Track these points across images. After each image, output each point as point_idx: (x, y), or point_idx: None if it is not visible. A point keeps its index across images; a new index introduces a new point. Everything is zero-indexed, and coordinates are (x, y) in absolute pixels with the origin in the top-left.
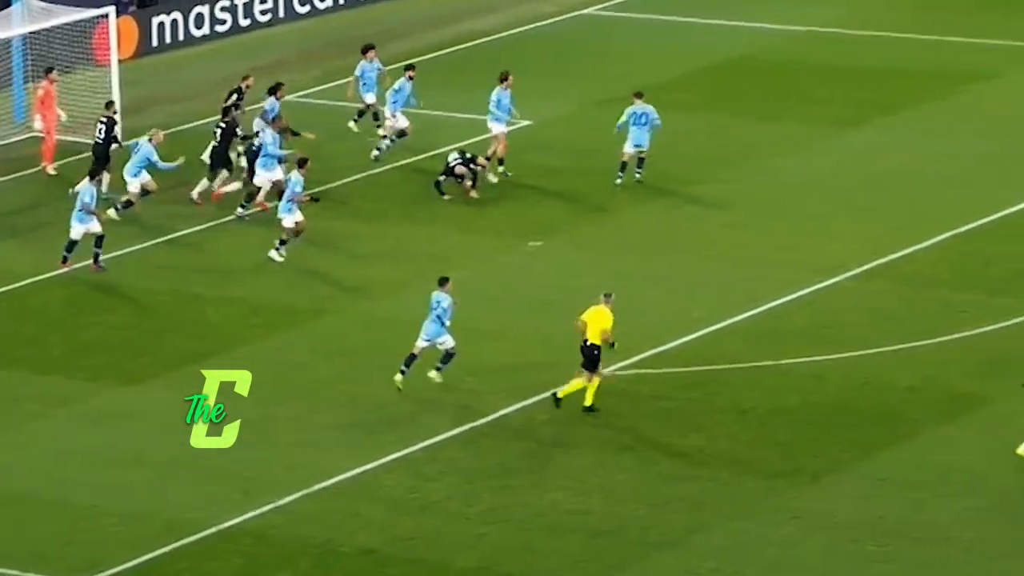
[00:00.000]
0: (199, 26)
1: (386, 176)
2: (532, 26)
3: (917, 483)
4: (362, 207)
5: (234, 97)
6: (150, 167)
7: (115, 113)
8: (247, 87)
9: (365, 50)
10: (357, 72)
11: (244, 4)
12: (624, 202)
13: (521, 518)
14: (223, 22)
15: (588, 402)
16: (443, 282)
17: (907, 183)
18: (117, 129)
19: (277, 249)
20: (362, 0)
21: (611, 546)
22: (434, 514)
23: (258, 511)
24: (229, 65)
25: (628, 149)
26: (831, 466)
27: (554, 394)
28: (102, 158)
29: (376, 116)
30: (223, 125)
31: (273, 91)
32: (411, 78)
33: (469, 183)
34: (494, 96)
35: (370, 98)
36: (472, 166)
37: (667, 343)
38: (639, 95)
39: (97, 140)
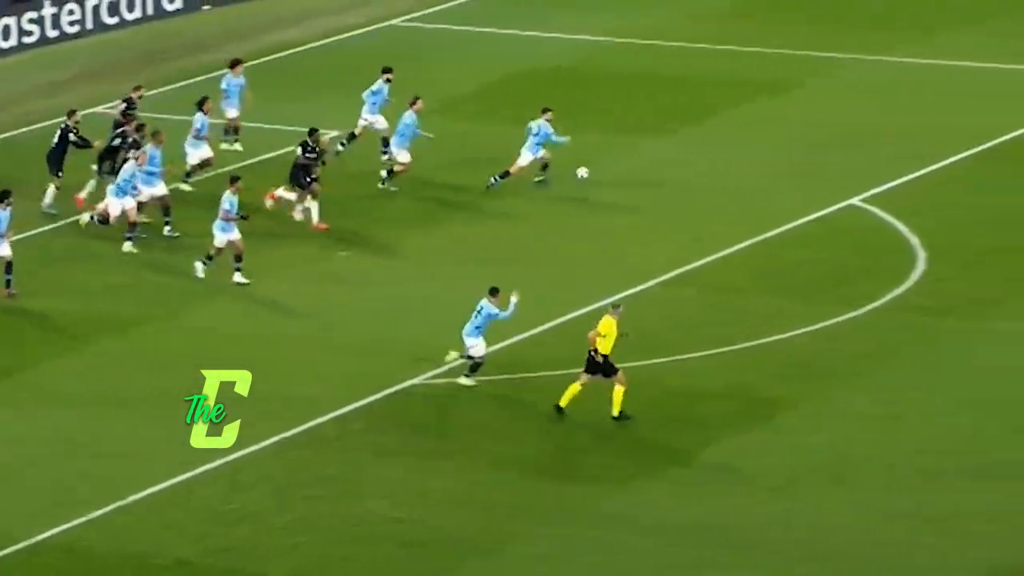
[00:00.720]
0: (6, 38)
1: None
2: (336, 38)
3: (726, 487)
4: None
5: (123, 106)
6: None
7: (77, 123)
8: (138, 97)
9: (233, 64)
10: (223, 85)
11: (52, 15)
12: (434, 213)
13: (335, 527)
14: (30, 33)
15: (616, 411)
16: (494, 292)
17: (710, 191)
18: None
19: (204, 263)
20: (170, 12)
21: (426, 555)
22: (249, 524)
23: (70, 524)
24: (38, 76)
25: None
26: (643, 471)
27: (556, 406)
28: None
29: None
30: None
31: (200, 105)
32: (389, 79)
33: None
34: (405, 119)
35: (232, 113)
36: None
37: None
38: (547, 111)
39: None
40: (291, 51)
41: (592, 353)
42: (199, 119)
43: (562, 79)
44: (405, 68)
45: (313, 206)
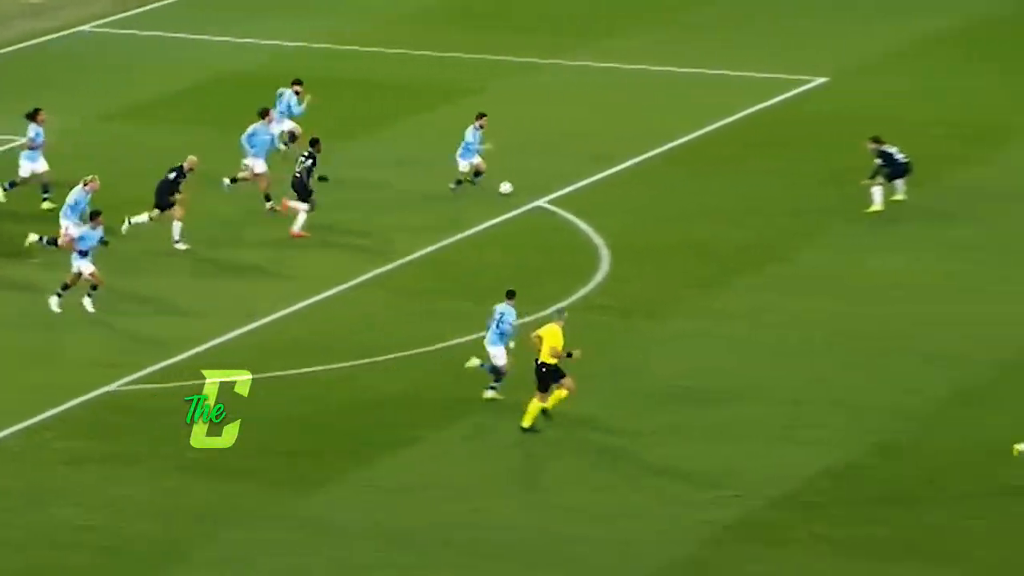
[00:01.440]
0: None
1: None
2: (28, 43)
3: (414, 488)
4: None
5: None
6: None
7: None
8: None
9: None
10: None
11: None
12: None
13: (24, 538)
14: None
15: (527, 423)
16: (511, 295)
17: (398, 194)
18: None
19: (58, 295)
20: None
21: (117, 562)
22: None
23: None
24: None
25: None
26: (333, 474)
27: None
28: None
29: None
30: None
31: (32, 117)
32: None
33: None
34: (251, 129)
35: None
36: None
37: (174, 357)
38: (481, 115)
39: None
40: None
41: (540, 366)
42: (32, 129)
43: (246, 84)
44: (98, 73)
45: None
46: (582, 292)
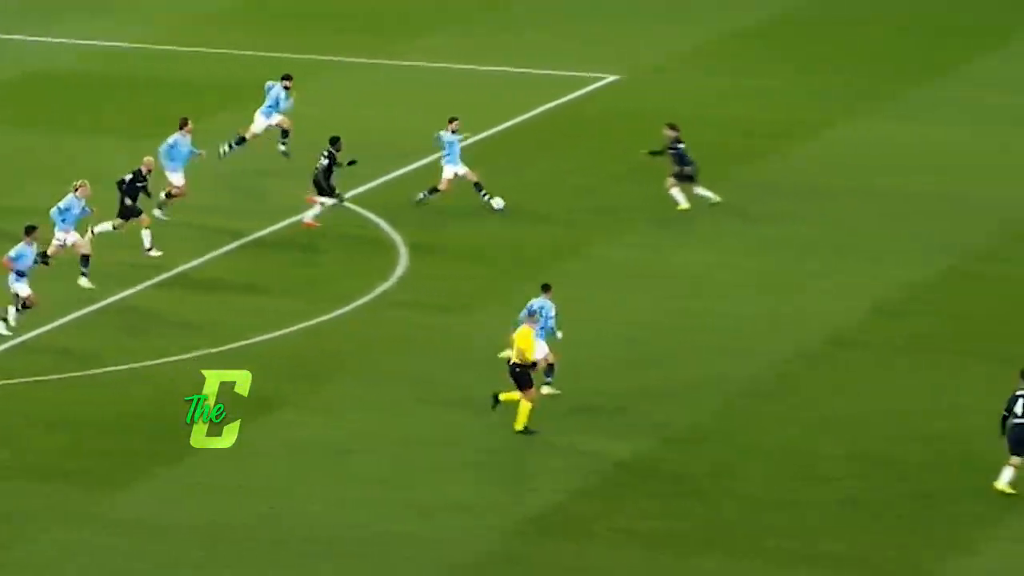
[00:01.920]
0: None
1: None
2: None
3: (224, 488)
4: None
5: None
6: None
7: None
8: None
9: None
10: None
11: None
12: None
13: None
14: None
15: (519, 427)
16: (546, 288)
17: (200, 191)
18: None
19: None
20: None
21: None
22: None
23: None
24: None
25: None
26: (143, 472)
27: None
28: None
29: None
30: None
31: None
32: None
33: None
34: (171, 140)
35: None
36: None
37: None
38: (453, 120)
39: None
40: None
41: (513, 367)
42: None
43: (36, 84)
44: None
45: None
46: (381, 289)
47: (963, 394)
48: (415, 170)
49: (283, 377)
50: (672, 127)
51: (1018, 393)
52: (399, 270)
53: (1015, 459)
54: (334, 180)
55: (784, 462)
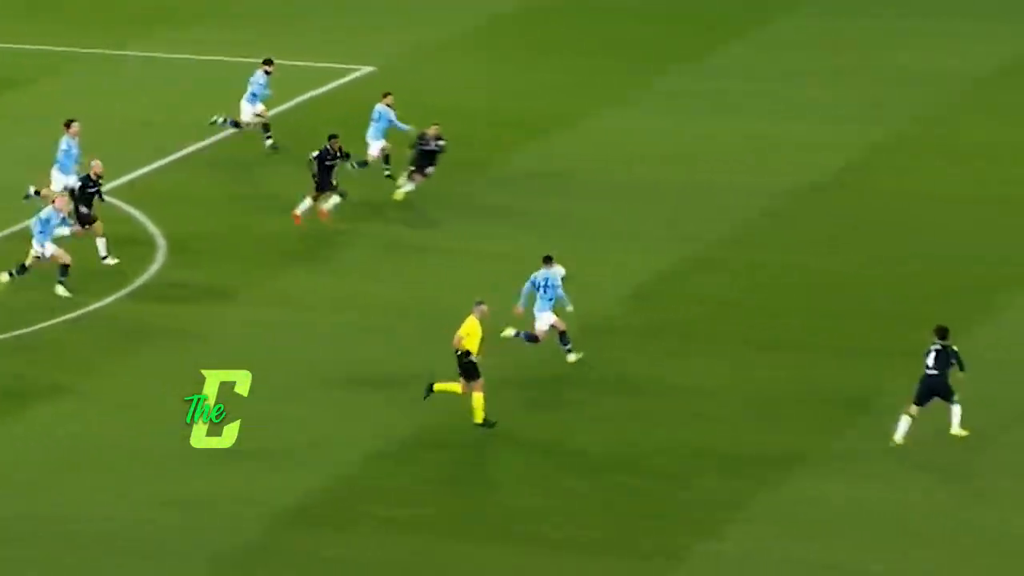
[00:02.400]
0: None
1: None
2: None
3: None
4: None
5: None
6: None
7: None
8: None
9: None
10: None
11: None
12: None
13: None
14: None
15: (478, 419)
16: (548, 260)
17: None
18: None
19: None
20: None
21: None
22: None
23: None
24: None
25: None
26: None
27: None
28: None
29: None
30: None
31: None
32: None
33: None
34: (63, 144)
35: None
36: None
37: None
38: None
39: None
40: None
41: (460, 356)
42: None
43: None
44: None
45: (307, 202)
46: (139, 282)
47: (713, 377)
48: (173, 162)
49: (40, 369)
50: (436, 125)
51: (931, 347)
52: (156, 264)
53: (914, 408)
54: (334, 176)
55: (535, 449)
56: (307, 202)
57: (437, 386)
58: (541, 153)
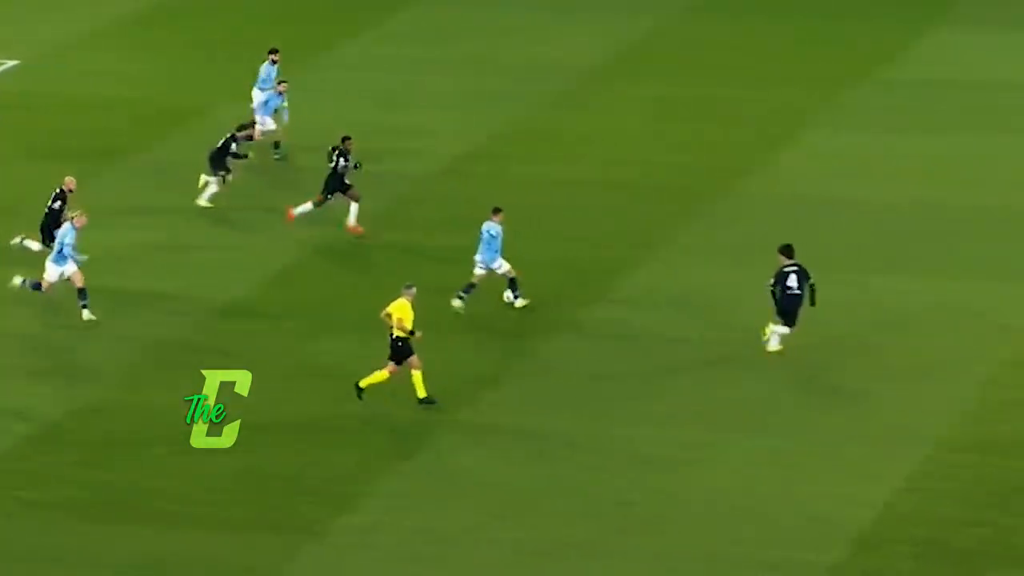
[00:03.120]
0: None
1: None
2: None
3: None
4: None
5: None
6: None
7: None
8: None
9: None
10: None
11: None
12: None
13: None
14: None
15: (421, 394)
16: (496, 212)
17: None
18: None
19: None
20: None
21: None
22: None
23: None
24: None
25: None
26: None
27: (356, 385)
28: None
29: None
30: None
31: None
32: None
33: None
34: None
35: None
36: None
37: None
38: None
39: None
40: None
41: (392, 338)
42: None
43: None
44: None
45: (353, 208)
46: None
47: (323, 356)
48: None
49: None
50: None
51: (786, 269)
52: None
53: (784, 329)
54: (348, 179)
55: (180, 432)
56: (307, 205)
57: (363, 382)
58: (190, 142)
